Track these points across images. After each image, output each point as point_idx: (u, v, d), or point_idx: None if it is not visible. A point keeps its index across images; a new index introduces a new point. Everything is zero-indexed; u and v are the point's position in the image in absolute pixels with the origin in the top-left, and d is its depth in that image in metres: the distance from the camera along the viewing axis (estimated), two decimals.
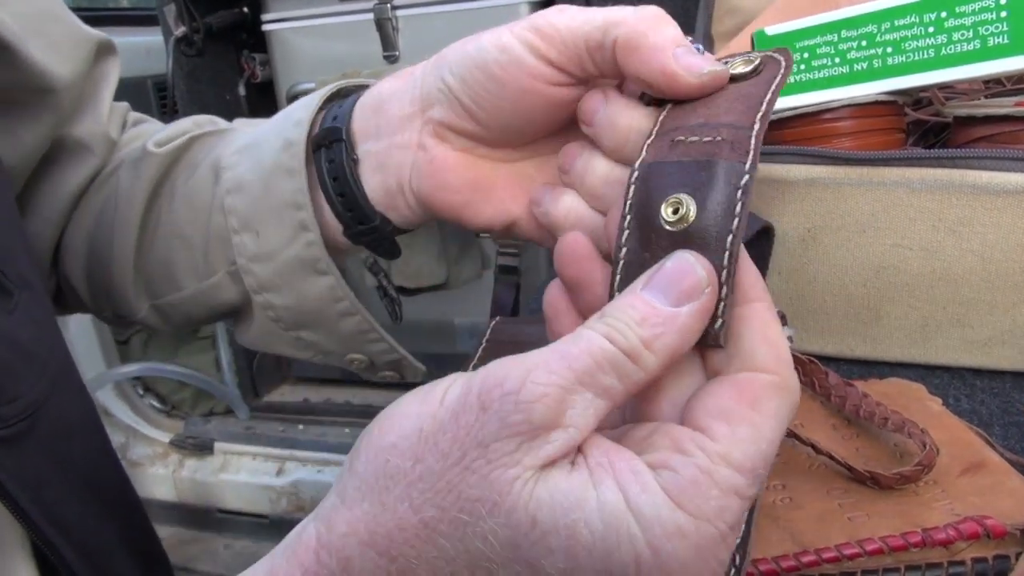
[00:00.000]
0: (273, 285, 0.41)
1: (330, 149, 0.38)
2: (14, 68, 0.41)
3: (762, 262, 0.47)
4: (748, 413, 0.22)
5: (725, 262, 0.24)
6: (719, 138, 0.26)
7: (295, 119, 0.39)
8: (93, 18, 1.64)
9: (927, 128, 0.59)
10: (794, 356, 0.41)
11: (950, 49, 0.43)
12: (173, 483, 1.53)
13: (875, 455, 0.37)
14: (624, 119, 0.30)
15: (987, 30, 0.42)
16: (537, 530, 0.20)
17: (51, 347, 0.38)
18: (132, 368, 1.52)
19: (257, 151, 0.40)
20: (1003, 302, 0.43)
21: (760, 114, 0.26)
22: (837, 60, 0.48)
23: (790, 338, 0.40)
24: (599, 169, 0.31)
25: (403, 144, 0.36)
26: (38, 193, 0.47)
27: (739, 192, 0.25)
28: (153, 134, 0.46)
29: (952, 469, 0.35)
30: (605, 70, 0.30)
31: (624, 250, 0.26)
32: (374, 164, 0.38)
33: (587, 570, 0.19)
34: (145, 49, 1.50)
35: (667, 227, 0.25)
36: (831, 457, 0.35)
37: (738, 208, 0.25)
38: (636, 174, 0.27)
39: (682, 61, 0.28)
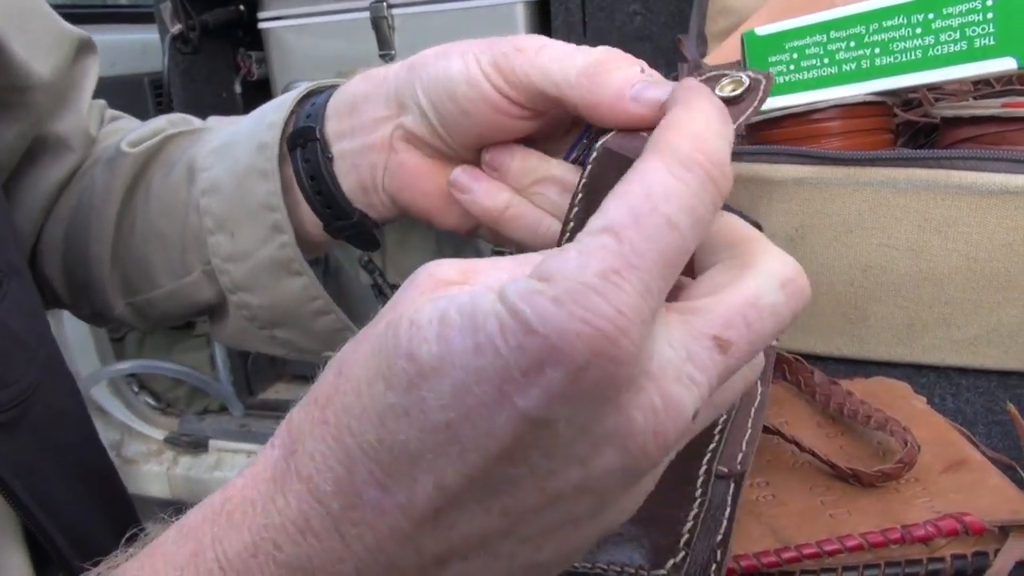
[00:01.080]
0: (248, 285, 0.41)
1: (305, 148, 0.39)
2: None
3: None
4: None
5: None
6: None
7: (268, 121, 0.40)
8: (89, 15, 1.64)
9: (917, 128, 0.59)
10: (780, 356, 0.42)
11: (937, 50, 0.44)
12: (167, 480, 1.53)
13: (858, 453, 0.37)
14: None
15: (974, 31, 0.42)
16: (414, 327, 0.19)
17: (40, 335, 0.38)
18: (127, 365, 1.52)
19: (232, 152, 0.41)
20: (988, 301, 0.43)
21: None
22: (826, 61, 0.48)
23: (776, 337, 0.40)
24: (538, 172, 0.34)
25: (375, 145, 0.38)
26: (19, 188, 0.47)
27: None
28: (128, 132, 0.47)
29: (934, 467, 0.35)
30: (564, 112, 0.32)
31: (571, 224, 0.27)
32: (349, 163, 0.39)
33: (457, 349, 0.18)
34: (142, 46, 1.50)
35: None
36: (814, 455, 0.36)
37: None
38: (595, 155, 0.28)
39: (642, 99, 0.28)
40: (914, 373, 0.47)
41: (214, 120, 0.49)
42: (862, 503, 0.33)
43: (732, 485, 0.33)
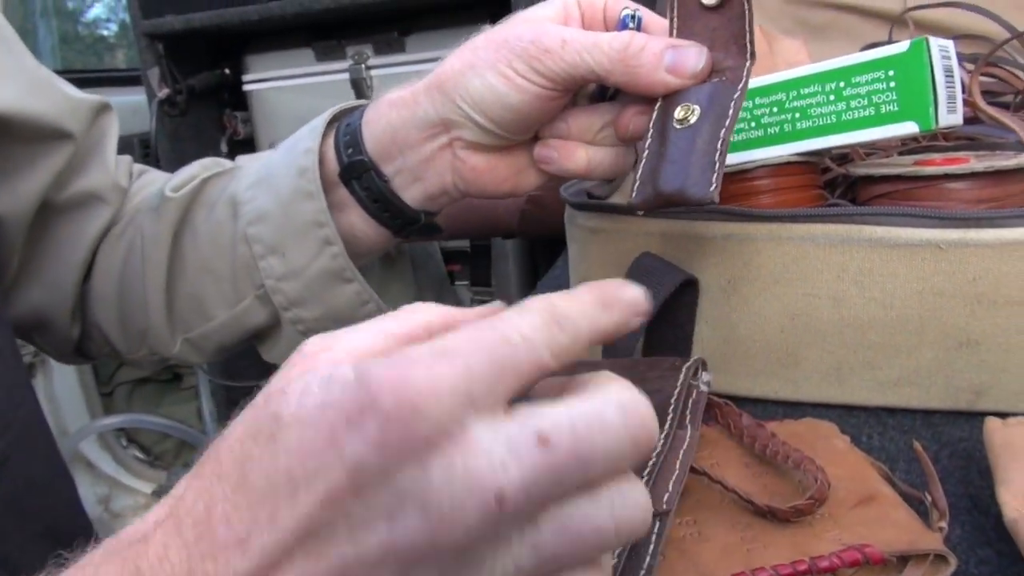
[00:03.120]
0: (302, 300, 0.46)
1: (361, 179, 0.44)
2: (14, 131, 0.45)
3: (689, 311, 0.51)
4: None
5: (719, 146, 0.33)
6: (724, 77, 0.36)
7: (303, 148, 0.45)
8: (82, 79, 1.70)
9: (852, 181, 0.63)
10: (710, 399, 0.45)
11: (849, 115, 0.48)
12: None
13: (781, 490, 0.40)
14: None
15: (879, 98, 0.46)
16: (283, 394, 0.21)
17: (16, 406, 0.41)
18: (115, 419, 1.54)
19: (273, 182, 0.45)
20: (906, 345, 0.46)
21: (749, 52, 0.36)
22: (753, 124, 0.52)
23: (708, 383, 0.43)
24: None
25: (432, 157, 0.44)
26: (55, 245, 0.51)
27: (731, 103, 0.34)
28: (166, 181, 0.51)
29: (847, 502, 0.38)
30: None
31: (647, 151, 0.35)
32: (409, 178, 0.45)
33: (309, 407, 0.20)
34: (132, 109, 1.55)
35: (677, 126, 0.34)
36: (736, 493, 0.38)
37: (730, 112, 0.34)
38: (660, 100, 0.37)
39: (678, 71, 0.37)
40: (845, 413, 0.50)
41: (243, 159, 0.54)
42: (777, 537, 0.36)
43: (658, 523, 0.35)
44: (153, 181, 0.56)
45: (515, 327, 0.21)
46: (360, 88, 1.26)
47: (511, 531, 0.21)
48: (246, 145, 1.43)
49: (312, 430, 0.20)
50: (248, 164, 0.51)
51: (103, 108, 0.54)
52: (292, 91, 1.32)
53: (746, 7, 0.36)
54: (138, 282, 0.49)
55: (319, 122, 0.46)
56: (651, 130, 0.36)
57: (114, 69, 2.21)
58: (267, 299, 0.47)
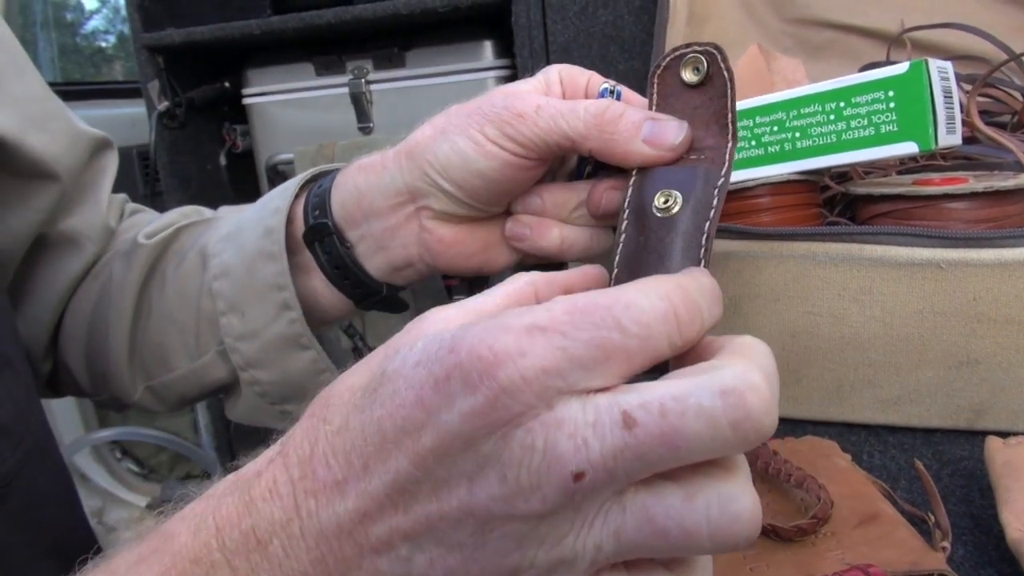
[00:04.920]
0: (258, 361, 0.44)
1: (323, 243, 0.43)
2: (9, 158, 0.44)
3: None
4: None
5: (703, 241, 0.30)
6: (703, 156, 0.34)
7: (273, 207, 0.43)
8: (81, 91, 1.70)
9: (850, 200, 0.64)
10: None
11: (849, 135, 0.48)
12: None
13: (783, 509, 0.40)
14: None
15: (879, 119, 0.47)
16: (395, 353, 0.23)
17: (28, 423, 0.40)
18: (110, 432, 1.53)
19: (240, 238, 0.44)
20: (906, 363, 0.46)
21: (730, 133, 0.33)
22: (753, 143, 0.52)
23: None
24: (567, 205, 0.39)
25: (398, 226, 0.42)
26: (37, 279, 0.50)
27: (715, 190, 0.32)
28: (144, 225, 0.50)
29: (849, 521, 0.38)
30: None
31: (623, 235, 0.32)
32: (373, 246, 0.43)
33: (408, 362, 0.22)
34: (130, 120, 1.55)
35: (658, 214, 0.31)
36: None
37: (714, 202, 0.31)
38: (635, 176, 0.34)
39: (656, 142, 0.34)
40: (846, 431, 0.50)
41: (224, 209, 0.53)
42: (780, 556, 0.36)
43: None
44: (137, 224, 0.55)
45: (634, 316, 0.21)
46: (360, 103, 1.27)
47: (593, 511, 0.20)
48: (245, 158, 1.43)
49: (404, 387, 0.21)
50: (227, 215, 0.50)
51: (103, 145, 0.53)
52: (292, 105, 1.33)
53: (729, 86, 0.34)
54: (104, 326, 0.49)
55: (293, 182, 0.44)
56: (626, 210, 0.33)
57: (113, 81, 2.21)
58: (227, 356, 0.45)
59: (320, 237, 0.42)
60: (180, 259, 0.48)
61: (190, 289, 0.46)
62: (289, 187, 0.44)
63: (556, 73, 0.39)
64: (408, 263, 0.43)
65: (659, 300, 0.21)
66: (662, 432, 0.20)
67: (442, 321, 0.24)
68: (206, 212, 0.53)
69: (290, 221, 0.43)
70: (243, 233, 0.44)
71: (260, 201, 0.45)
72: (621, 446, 0.20)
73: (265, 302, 0.43)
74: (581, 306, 0.21)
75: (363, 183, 0.41)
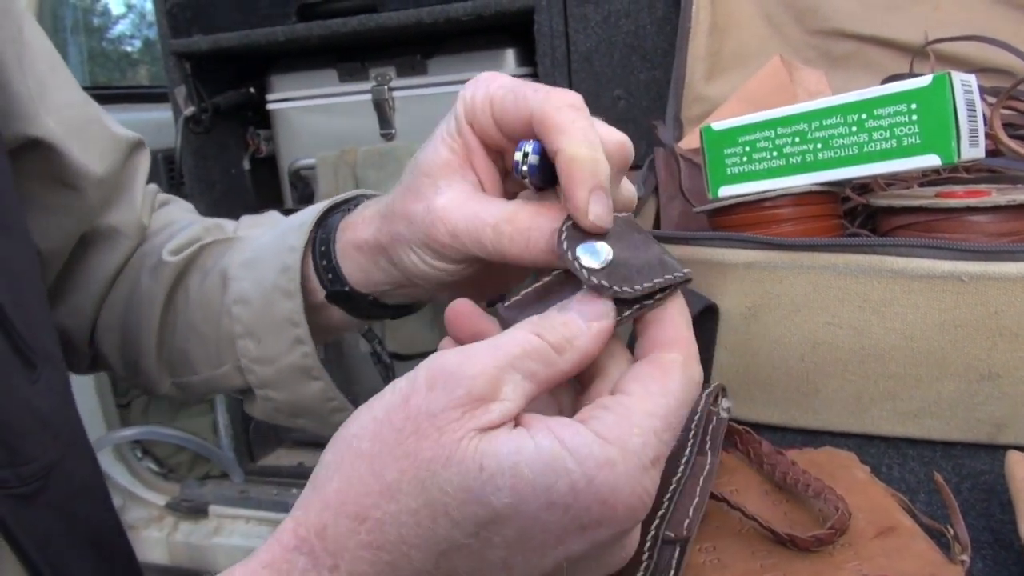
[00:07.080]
0: (272, 384, 0.47)
1: (348, 302, 0.44)
2: (55, 166, 0.46)
3: (709, 337, 0.51)
4: (657, 374, 0.27)
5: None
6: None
7: (288, 245, 0.44)
8: (109, 95, 1.73)
9: (871, 211, 0.64)
10: (731, 427, 0.45)
11: (871, 147, 0.48)
12: (167, 547, 1.53)
13: (800, 519, 0.40)
14: None
15: (901, 131, 0.47)
16: (485, 473, 0.23)
17: (66, 416, 0.42)
18: (131, 432, 1.55)
19: (259, 269, 0.46)
20: (927, 376, 0.46)
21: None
22: (775, 154, 0.53)
23: (728, 409, 0.43)
24: None
25: (410, 283, 0.41)
26: (79, 273, 0.53)
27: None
28: (169, 239, 0.52)
29: (867, 532, 0.38)
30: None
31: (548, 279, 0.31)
32: (392, 293, 0.43)
33: (531, 503, 0.23)
34: (156, 125, 1.57)
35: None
36: (756, 520, 0.38)
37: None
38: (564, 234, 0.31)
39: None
40: (865, 443, 0.50)
41: (245, 220, 0.54)
42: (797, 566, 0.36)
43: (677, 549, 0.35)
44: (169, 217, 0.57)
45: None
46: (382, 109, 1.28)
47: None
48: (268, 163, 1.45)
49: (537, 529, 0.23)
50: (246, 235, 0.52)
51: (137, 145, 0.56)
52: (315, 111, 1.34)
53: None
54: (135, 330, 0.52)
55: (310, 218, 0.45)
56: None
57: (139, 86, 2.25)
58: (243, 372, 0.48)
59: (343, 299, 0.44)
60: (203, 276, 0.50)
61: (212, 306, 0.49)
62: (306, 222, 0.45)
63: (485, 109, 0.33)
64: (415, 298, 0.46)
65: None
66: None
67: (514, 451, 0.24)
68: (228, 227, 0.54)
69: (304, 256, 0.45)
70: (261, 263, 0.46)
71: (280, 229, 0.47)
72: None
73: (280, 334, 0.45)
74: (668, 412, 0.27)
75: (365, 263, 0.42)
